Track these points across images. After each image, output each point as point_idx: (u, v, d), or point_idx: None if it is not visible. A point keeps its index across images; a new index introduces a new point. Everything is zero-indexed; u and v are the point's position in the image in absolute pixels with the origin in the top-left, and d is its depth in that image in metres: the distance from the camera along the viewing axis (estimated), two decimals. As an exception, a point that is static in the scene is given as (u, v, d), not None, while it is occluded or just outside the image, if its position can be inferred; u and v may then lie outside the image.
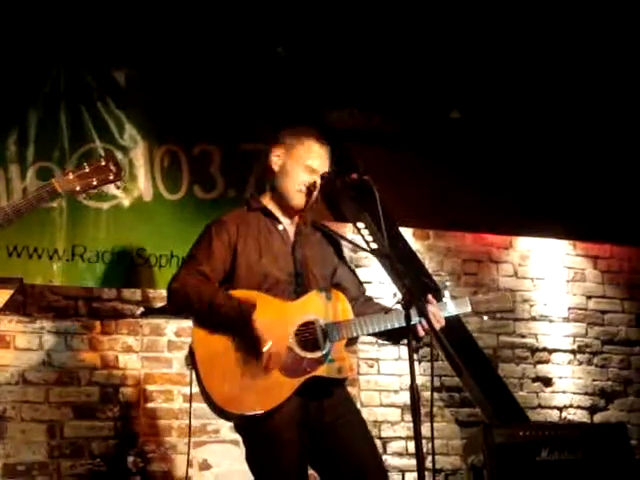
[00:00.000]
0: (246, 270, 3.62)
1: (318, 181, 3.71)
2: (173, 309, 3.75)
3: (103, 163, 3.67)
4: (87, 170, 3.63)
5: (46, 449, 4.94)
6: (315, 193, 3.72)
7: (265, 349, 3.43)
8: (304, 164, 3.71)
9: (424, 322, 3.48)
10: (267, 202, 3.80)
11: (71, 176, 3.61)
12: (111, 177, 3.68)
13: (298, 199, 3.71)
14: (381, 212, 3.60)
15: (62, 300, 5.15)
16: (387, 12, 5.06)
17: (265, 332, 3.43)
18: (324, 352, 3.54)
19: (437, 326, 3.60)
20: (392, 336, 3.77)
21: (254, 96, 5.45)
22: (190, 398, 3.73)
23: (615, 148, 6.42)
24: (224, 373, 3.46)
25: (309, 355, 3.53)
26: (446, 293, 3.74)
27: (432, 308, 3.63)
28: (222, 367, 3.46)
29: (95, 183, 3.65)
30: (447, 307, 3.73)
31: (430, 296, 3.69)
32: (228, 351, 3.48)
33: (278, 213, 3.78)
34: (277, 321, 3.49)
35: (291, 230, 3.78)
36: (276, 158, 3.77)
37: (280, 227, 3.76)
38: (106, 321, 5.21)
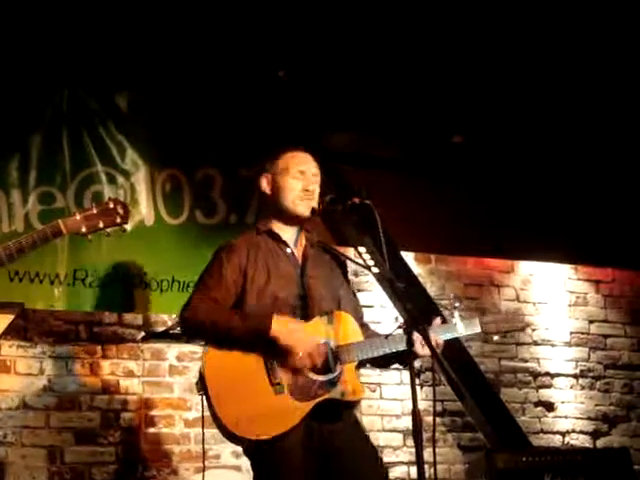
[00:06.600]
0: (256, 294, 3.62)
1: (313, 182, 3.74)
2: (187, 336, 3.75)
3: (111, 205, 3.73)
4: (94, 212, 3.68)
5: (46, 475, 4.91)
6: (315, 196, 3.74)
7: (300, 353, 3.45)
8: (291, 171, 3.73)
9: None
10: (273, 225, 3.80)
11: (78, 217, 3.66)
12: (118, 220, 3.73)
13: (301, 207, 3.71)
14: (382, 236, 3.60)
15: (63, 325, 5.14)
16: (388, 36, 5.08)
17: (287, 338, 3.45)
18: (335, 374, 3.54)
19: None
20: (387, 362, 3.79)
21: (255, 121, 5.45)
22: (202, 423, 3.65)
23: (617, 172, 6.43)
24: (235, 397, 3.44)
25: (320, 378, 3.52)
26: (456, 314, 3.74)
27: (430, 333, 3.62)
28: (233, 391, 3.45)
29: (101, 225, 3.70)
30: (457, 328, 3.73)
31: (438, 319, 3.70)
32: (239, 375, 3.47)
33: (286, 235, 3.77)
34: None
35: (299, 253, 3.78)
36: (265, 183, 3.79)
37: (288, 250, 3.75)
38: (107, 346, 5.20)
